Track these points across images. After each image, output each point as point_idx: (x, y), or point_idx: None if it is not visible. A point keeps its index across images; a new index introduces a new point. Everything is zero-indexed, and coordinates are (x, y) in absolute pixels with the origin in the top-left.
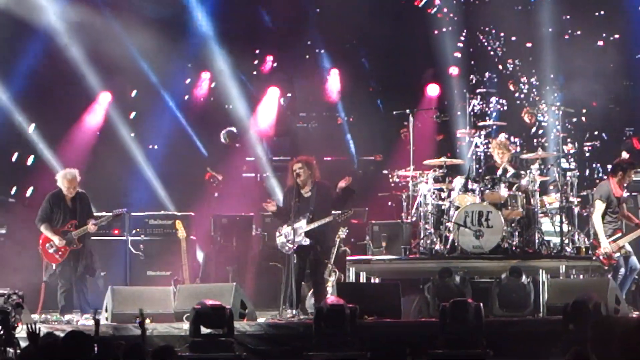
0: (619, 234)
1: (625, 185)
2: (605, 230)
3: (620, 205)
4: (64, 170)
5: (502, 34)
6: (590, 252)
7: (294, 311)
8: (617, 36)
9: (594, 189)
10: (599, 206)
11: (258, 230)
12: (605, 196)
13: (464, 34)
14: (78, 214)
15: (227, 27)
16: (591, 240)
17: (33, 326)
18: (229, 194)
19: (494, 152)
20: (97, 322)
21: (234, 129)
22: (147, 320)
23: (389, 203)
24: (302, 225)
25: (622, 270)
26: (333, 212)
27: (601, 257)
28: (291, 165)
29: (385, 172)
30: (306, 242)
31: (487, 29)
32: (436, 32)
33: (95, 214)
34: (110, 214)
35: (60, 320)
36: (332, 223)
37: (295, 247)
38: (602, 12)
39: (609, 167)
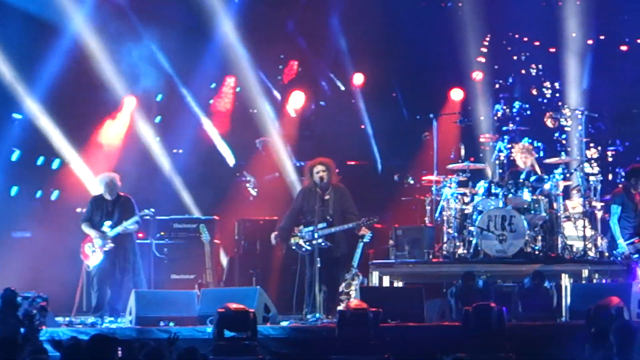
0: (636, 237)
1: (639, 190)
2: (623, 235)
3: (638, 211)
4: (102, 174)
5: (525, 39)
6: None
7: (317, 314)
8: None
9: None
10: (615, 211)
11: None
12: (619, 201)
13: (487, 39)
14: (115, 217)
15: (251, 32)
16: (603, 248)
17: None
18: (258, 197)
19: (516, 157)
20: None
21: (269, 139)
22: (171, 324)
23: (413, 207)
24: (323, 228)
25: None
26: (357, 220)
27: (619, 258)
28: (311, 166)
29: None
30: (325, 245)
31: (510, 33)
32: (460, 36)
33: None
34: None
35: (85, 323)
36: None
37: (311, 249)
38: (626, 17)
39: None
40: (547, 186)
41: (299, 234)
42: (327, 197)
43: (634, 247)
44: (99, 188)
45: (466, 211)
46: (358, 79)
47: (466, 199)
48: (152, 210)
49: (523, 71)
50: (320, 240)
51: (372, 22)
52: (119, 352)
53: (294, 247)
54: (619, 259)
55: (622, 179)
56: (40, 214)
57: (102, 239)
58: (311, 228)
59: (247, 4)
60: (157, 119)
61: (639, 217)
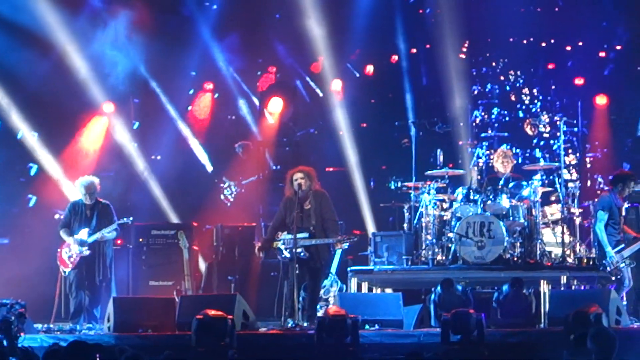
0: (622, 245)
1: (624, 196)
2: (609, 242)
3: (620, 217)
4: (82, 178)
5: (503, 46)
6: (592, 263)
7: (296, 321)
8: (619, 47)
9: (595, 200)
10: (602, 217)
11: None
12: (607, 207)
13: (465, 45)
14: (94, 222)
15: (230, 38)
16: (582, 254)
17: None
18: (236, 203)
19: (496, 162)
20: None
21: (249, 143)
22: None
23: (390, 216)
24: (304, 238)
25: (627, 282)
26: (335, 228)
27: (609, 268)
28: (291, 174)
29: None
30: (305, 255)
31: (488, 39)
32: (438, 42)
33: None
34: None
35: (64, 329)
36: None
37: (290, 257)
38: (604, 24)
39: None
40: (525, 192)
41: (281, 239)
42: (307, 206)
43: (621, 256)
44: (79, 192)
45: (445, 217)
46: (336, 85)
47: (445, 205)
48: (131, 218)
49: (502, 77)
50: (299, 250)
51: (350, 27)
52: (97, 359)
53: (276, 252)
54: (609, 268)
55: (601, 185)
56: (18, 220)
57: (79, 245)
58: (291, 236)
59: (226, 10)
60: (135, 125)
61: (623, 223)
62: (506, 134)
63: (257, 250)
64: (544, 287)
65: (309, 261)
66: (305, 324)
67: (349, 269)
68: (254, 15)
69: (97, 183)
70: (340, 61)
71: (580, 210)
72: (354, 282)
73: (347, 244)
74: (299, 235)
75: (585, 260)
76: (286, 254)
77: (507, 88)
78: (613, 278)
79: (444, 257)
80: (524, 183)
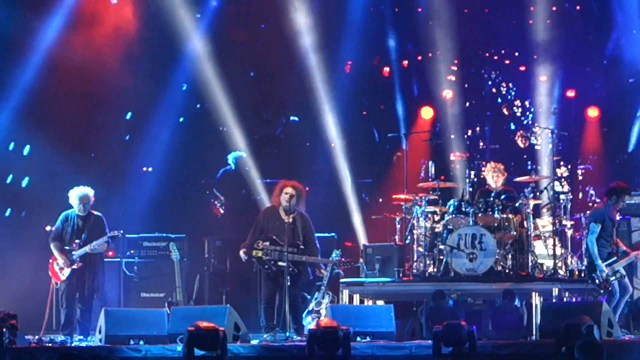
0: (614, 258)
1: (618, 209)
2: (601, 254)
3: (613, 230)
4: (77, 188)
5: (495, 57)
6: (583, 275)
7: (287, 333)
8: (610, 60)
9: (588, 212)
10: (594, 229)
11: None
12: (600, 219)
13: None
14: (85, 234)
15: (221, 49)
16: (573, 266)
17: None
18: (228, 215)
19: (487, 175)
20: None
21: (243, 154)
22: (141, 342)
23: (382, 228)
24: (292, 253)
25: (617, 295)
26: (335, 259)
27: (597, 281)
28: (283, 185)
29: None
30: (292, 271)
31: (480, 52)
32: (430, 54)
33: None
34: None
35: (55, 341)
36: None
37: (275, 270)
38: (593, 36)
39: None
40: (517, 205)
41: (262, 249)
42: (289, 220)
43: (612, 269)
44: (73, 202)
45: (436, 229)
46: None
47: (436, 217)
48: (122, 231)
49: (494, 90)
50: (284, 264)
51: (342, 39)
52: None
53: (253, 259)
54: (598, 281)
55: (592, 197)
56: (7, 231)
57: (68, 259)
58: (279, 248)
59: (217, 22)
60: (127, 137)
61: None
62: (497, 146)
63: (243, 254)
64: (536, 299)
65: (295, 276)
66: (295, 337)
67: (340, 281)
68: (244, 26)
69: (91, 195)
70: (332, 72)
71: (572, 222)
72: (345, 294)
73: (339, 251)
74: (288, 249)
75: (576, 273)
76: (271, 265)
77: (499, 100)
78: (602, 291)
79: (435, 269)
80: (516, 195)
